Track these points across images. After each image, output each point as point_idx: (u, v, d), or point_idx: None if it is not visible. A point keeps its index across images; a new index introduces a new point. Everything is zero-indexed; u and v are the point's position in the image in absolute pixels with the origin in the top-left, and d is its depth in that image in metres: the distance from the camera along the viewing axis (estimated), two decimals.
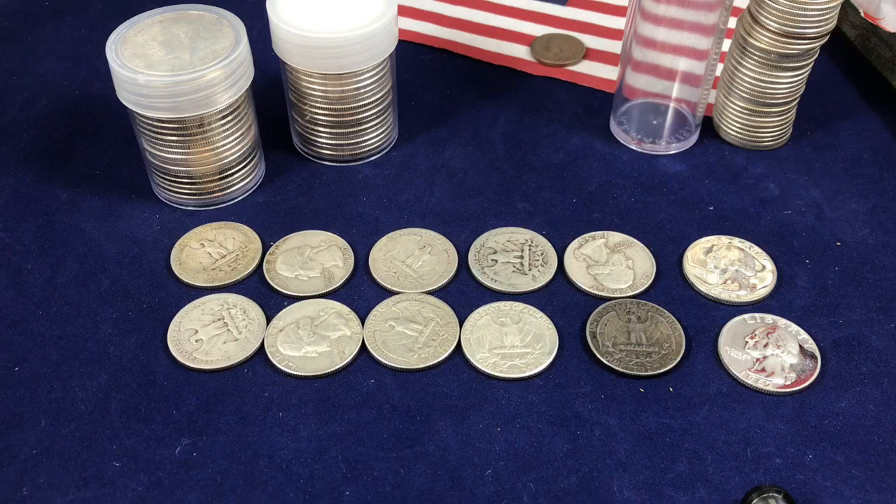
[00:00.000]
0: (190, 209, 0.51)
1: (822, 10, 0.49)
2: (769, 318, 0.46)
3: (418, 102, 0.58)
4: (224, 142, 0.49)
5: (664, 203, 0.52)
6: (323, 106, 0.51)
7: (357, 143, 0.53)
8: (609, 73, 0.60)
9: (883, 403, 0.43)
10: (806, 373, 0.43)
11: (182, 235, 0.50)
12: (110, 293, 0.47)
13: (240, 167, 0.51)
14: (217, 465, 0.40)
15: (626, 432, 0.42)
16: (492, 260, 0.48)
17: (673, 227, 0.50)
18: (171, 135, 0.48)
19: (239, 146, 0.50)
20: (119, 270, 0.48)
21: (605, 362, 0.44)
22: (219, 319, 0.46)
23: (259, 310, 0.46)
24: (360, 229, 0.50)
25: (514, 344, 0.45)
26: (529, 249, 0.49)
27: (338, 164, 0.54)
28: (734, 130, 0.55)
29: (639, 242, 0.49)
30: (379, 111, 0.52)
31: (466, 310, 0.46)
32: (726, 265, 0.48)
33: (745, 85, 0.52)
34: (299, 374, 0.43)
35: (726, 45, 0.59)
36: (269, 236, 0.50)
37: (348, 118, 0.52)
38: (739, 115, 0.54)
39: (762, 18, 0.50)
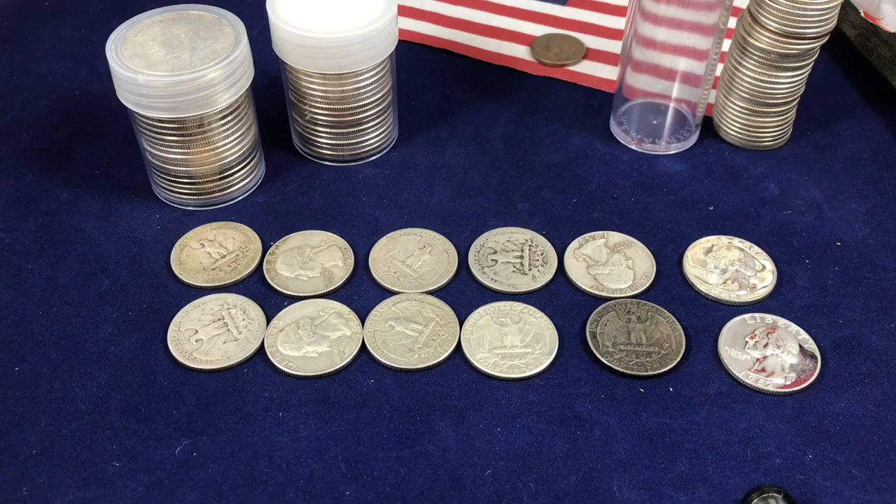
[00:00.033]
0: (190, 209, 0.51)
1: (822, 10, 0.49)
2: (769, 318, 0.46)
3: (418, 102, 0.58)
4: (224, 142, 0.49)
5: (664, 203, 0.52)
6: (323, 106, 0.51)
7: (357, 143, 0.53)
8: (609, 73, 0.60)
9: (883, 403, 0.43)
10: (806, 373, 0.43)
11: (182, 235, 0.50)
12: (110, 293, 0.47)
13: (240, 167, 0.51)
14: (217, 465, 0.40)
15: (626, 432, 0.42)
16: (492, 260, 0.48)
17: (673, 227, 0.50)
18: (171, 135, 0.48)
19: (239, 146, 0.50)
20: (119, 270, 0.48)
21: (605, 362, 0.44)
22: (219, 319, 0.46)
23: (259, 310, 0.46)
24: (360, 229, 0.50)
25: (514, 344, 0.45)
26: (529, 249, 0.49)
27: (338, 164, 0.54)
28: (734, 130, 0.55)
29: (639, 242, 0.49)
30: (379, 111, 0.52)
31: (466, 310, 0.46)
32: (726, 265, 0.48)
33: (745, 85, 0.52)
34: (299, 374, 0.43)
35: (726, 45, 0.59)
36: (269, 236, 0.50)
37: (348, 118, 0.52)
38: (739, 115, 0.54)
39: (762, 18, 0.50)
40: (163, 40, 0.48)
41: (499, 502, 0.39)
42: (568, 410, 0.42)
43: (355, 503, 0.39)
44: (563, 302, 0.47)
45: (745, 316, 0.46)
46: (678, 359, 0.44)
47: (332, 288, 0.47)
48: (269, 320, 0.46)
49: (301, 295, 0.47)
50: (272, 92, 0.57)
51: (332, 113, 0.51)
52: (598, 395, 0.43)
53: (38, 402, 0.43)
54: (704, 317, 0.46)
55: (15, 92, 0.59)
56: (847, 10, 0.61)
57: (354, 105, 0.51)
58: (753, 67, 0.51)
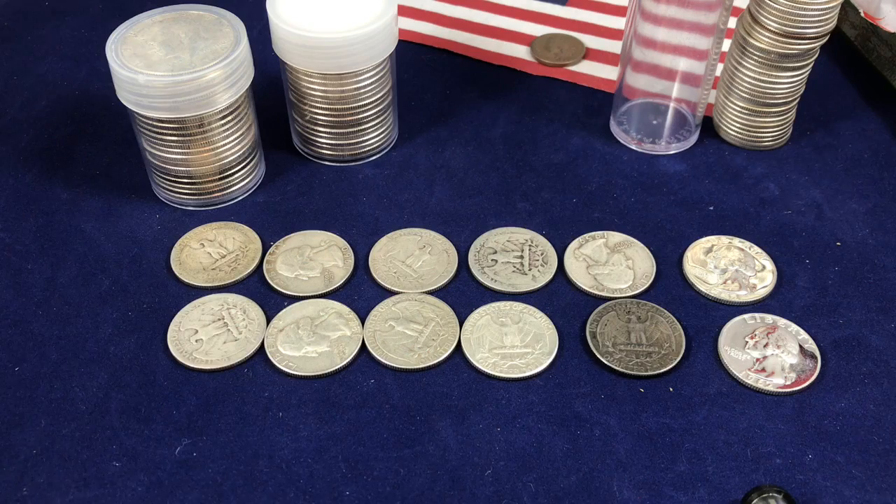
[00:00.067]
0: (190, 209, 0.51)
1: (822, 10, 0.49)
2: (769, 318, 0.46)
3: (418, 102, 0.58)
4: (224, 142, 0.49)
5: (664, 203, 0.52)
6: (323, 106, 0.51)
7: (357, 143, 0.53)
8: (609, 73, 0.60)
9: (883, 403, 0.43)
10: (806, 373, 0.43)
11: (182, 235, 0.50)
12: (110, 293, 0.47)
13: (240, 167, 0.51)
14: (217, 465, 0.40)
15: (626, 432, 0.42)
16: (492, 260, 0.48)
17: (673, 227, 0.50)
18: (171, 135, 0.48)
19: (239, 146, 0.50)
20: (119, 270, 0.48)
21: (605, 362, 0.44)
22: (219, 319, 0.46)
23: (259, 310, 0.46)
24: (360, 229, 0.50)
25: (514, 344, 0.45)
26: (529, 249, 0.49)
27: (338, 164, 0.54)
28: (734, 130, 0.55)
29: (639, 242, 0.49)
30: (379, 111, 0.52)
31: (466, 310, 0.46)
32: (726, 265, 0.48)
33: (745, 85, 0.52)
34: (299, 374, 0.43)
35: (726, 45, 0.59)
36: (269, 236, 0.50)
37: (348, 118, 0.52)
38: (739, 115, 0.54)
39: (762, 18, 0.50)
40: (163, 40, 0.48)
41: (499, 502, 0.39)
42: (568, 410, 0.42)
43: (355, 503, 0.39)
44: (563, 302, 0.47)
45: (745, 316, 0.46)
46: (678, 359, 0.44)
47: (332, 288, 0.47)
48: (269, 320, 0.46)
49: (301, 295, 0.47)
50: (272, 92, 0.57)
51: (332, 113, 0.51)
52: (598, 395, 0.43)
53: (38, 402, 0.43)
54: (704, 317, 0.46)
55: (15, 92, 0.59)
56: (847, 10, 0.61)
57: (354, 105, 0.51)
58: (753, 67, 0.51)
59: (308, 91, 0.51)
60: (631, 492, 0.39)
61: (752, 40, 0.51)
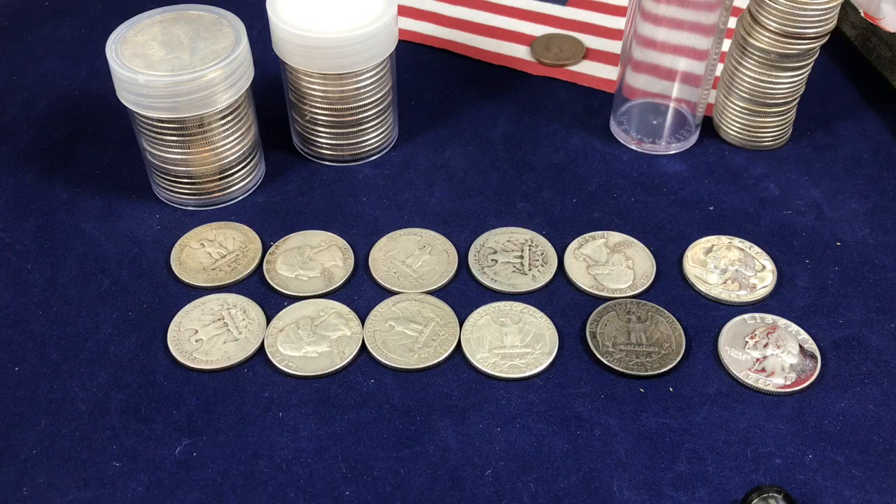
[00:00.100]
0: (190, 209, 0.51)
1: (822, 10, 0.49)
2: (769, 318, 0.46)
3: (418, 102, 0.58)
4: (224, 142, 0.49)
5: (664, 203, 0.52)
6: (323, 106, 0.51)
7: (357, 143, 0.53)
8: (609, 73, 0.60)
9: (883, 403, 0.43)
10: (806, 373, 0.43)
11: (182, 235, 0.50)
12: (110, 293, 0.47)
13: (240, 167, 0.51)
14: (217, 466, 0.40)
15: (626, 432, 0.42)
16: (492, 260, 0.48)
17: (673, 227, 0.50)
18: (171, 135, 0.48)
19: (239, 146, 0.50)
20: (119, 270, 0.48)
21: (605, 362, 0.44)
22: (219, 319, 0.46)
23: (259, 310, 0.46)
24: (360, 229, 0.50)
25: (514, 344, 0.45)
26: (529, 249, 0.49)
27: (338, 164, 0.54)
28: (734, 130, 0.55)
29: (639, 242, 0.49)
30: (379, 111, 0.52)
31: (466, 310, 0.46)
32: (726, 265, 0.48)
33: (745, 85, 0.52)
34: (299, 374, 0.43)
35: (726, 45, 0.59)
36: (269, 236, 0.50)
37: (348, 118, 0.52)
38: (739, 115, 0.54)
39: (762, 18, 0.50)
40: (163, 40, 0.48)
41: (499, 502, 0.39)
42: (568, 410, 0.42)
43: (355, 503, 0.39)
44: (563, 302, 0.47)
45: (745, 316, 0.46)
46: (678, 359, 0.44)
47: (332, 288, 0.47)
48: (269, 320, 0.46)
49: (301, 295, 0.47)
50: (272, 92, 0.57)
51: (332, 113, 0.51)
52: (598, 395, 0.43)
53: (38, 402, 0.43)
54: (704, 317, 0.46)
55: (15, 92, 0.59)
56: (847, 10, 0.61)
57: (354, 105, 0.51)
58: (753, 67, 0.51)
59: (308, 91, 0.51)
60: (631, 492, 0.39)
61: (752, 40, 0.51)
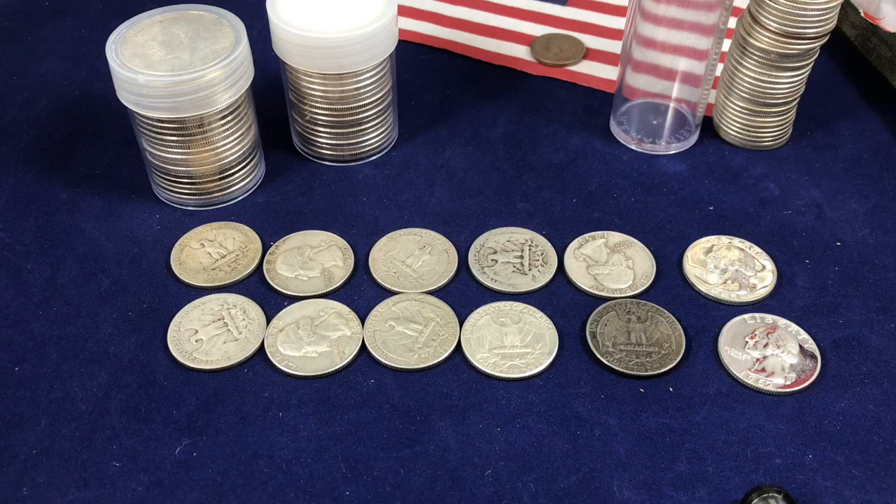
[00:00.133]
0: (190, 209, 0.51)
1: (822, 10, 0.49)
2: (769, 318, 0.46)
3: (418, 102, 0.58)
4: (224, 142, 0.49)
5: (664, 203, 0.52)
6: (323, 106, 0.51)
7: (357, 143, 0.53)
8: (609, 73, 0.60)
9: (883, 403, 0.43)
10: (806, 373, 0.43)
11: (182, 235, 0.50)
12: (110, 293, 0.47)
13: (240, 167, 0.51)
14: (217, 465, 0.40)
15: (626, 432, 0.42)
16: (492, 260, 0.48)
17: (673, 227, 0.50)
18: (171, 135, 0.48)
19: (239, 146, 0.50)
20: (119, 270, 0.48)
21: (605, 362, 0.44)
22: (219, 319, 0.46)
23: (259, 310, 0.46)
24: (360, 229, 0.50)
25: (514, 344, 0.45)
26: (529, 249, 0.49)
27: (338, 164, 0.54)
28: (734, 130, 0.55)
29: (639, 242, 0.49)
30: (379, 111, 0.52)
31: (466, 310, 0.46)
32: (726, 265, 0.48)
33: (745, 85, 0.52)
34: (299, 374, 0.43)
35: (726, 45, 0.59)
36: (269, 236, 0.50)
37: (348, 118, 0.52)
38: (739, 115, 0.54)
39: (762, 18, 0.50)
40: (163, 40, 0.48)
41: (499, 502, 0.39)
42: (568, 410, 0.42)
43: (355, 503, 0.39)
44: (563, 302, 0.47)
45: (745, 316, 0.46)
46: (678, 359, 0.44)
47: (332, 288, 0.47)
48: (269, 320, 0.46)
49: (301, 295, 0.47)
50: (272, 92, 0.57)
51: (332, 113, 0.51)
52: (598, 395, 0.43)
53: (38, 402, 0.43)
54: (704, 317, 0.46)
55: (15, 92, 0.59)
56: (847, 10, 0.61)
57: (354, 105, 0.51)
58: (753, 67, 0.51)
59: (308, 91, 0.51)
60: (631, 492, 0.39)
61: (752, 40, 0.51)
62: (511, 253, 0.49)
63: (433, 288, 0.47)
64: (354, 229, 0.50)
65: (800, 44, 0.50)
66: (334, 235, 0.50)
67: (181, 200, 0.51)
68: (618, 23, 0.64)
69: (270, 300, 0.47)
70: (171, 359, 0.44)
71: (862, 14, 0.56)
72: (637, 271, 0.48)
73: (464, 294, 0.47)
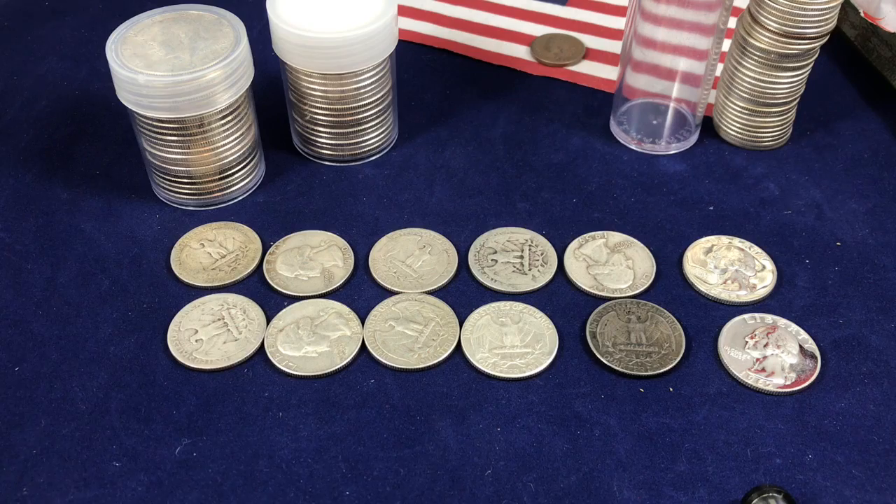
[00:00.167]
0: (190, 209, 0.51)
1: (822, 10, 0.49)
2: (769, 318, 0.46)
3: (418, 102, 0.58)
4: (224, 142, 0.49)
5: (664, 203, 0.52)
6: (323, 106, 0.51)
7: (357, 143, 0.53)
8: (609, 73, 0.60)
9: (883, 403, 0.43)
10: (806, 373, 0.43)
11: (182, 235, 0.50)
12: (110, 293, 0.47)
13: (240, 167, 0.51)
14: (217, 465, 0.40)
15: (626, 432, 0.42)
16: (492, 260, 0.48)
17: (673, 227, 0.50)
18: (171, 135, 0.48)
19: (239, 146, 0.50)
20: (119, 270, 0.48)
21: (605, 362, 0.44)
22: (219, 319, 0.46)
23: (259, 310, 0.46)
24: (360, 229, 0.50)
25: (514, 344, 0.45)
26: (529, 249, 0.49)
27: (338, 164, 0.54)
28: (734, 130, 0.55)
29: (639, 242, 0.49)
30: (379, 111, 0.52)
31: (466, 310, 0.46)
32: (726, 265, 0.48)
33: (745, 85, 0.52)
34: (299, 374, 0.43)
35: (726, 45, 0.59)
36: (269, 236, 0.50)
37: (348, 118, 0.52)
38: (739, 115, 0.54)
39: (762, 18, 0.50)
40: (163, 40, 0.48)
41: (499, 502, 0.39)
42: (568, 410, 0.42)
43: (355, 503, 0.39)
44: (563, 302, 0.47)
45: (745, 316, 0.46)
46: (678, 359, 0.44)
47: (332, 288, 0.47)
48: (269, 320, 0.46)
49: (301, 295, 0.47)
50: (272, 92, 0.57)
51: (332, 113, 0.51)
52: (598, 395, 0.43)
53: (38, 402, 0.43)
54: (704, 317, 0.46)
55: (15, 92, 0.59)
56: (847, 10, 0.61)
57: (354, 105, 0.51)
58: (753, 67, 0.51)
59: (308, 91, 0.51)
60: (631, 492, 0.39)
61: (752, 40, 0.51)
62: (511, 253, 0.49)
63: (433, 288, 0.47)
64: (354, 229, 0.50)
65: (800, 44, 0.50)
66: (334, 235, 0.50)
67: (181, 200, 0.51)
68: (618, 23, 0.64)
69: (270, 300, 0.47)
70: (171, 359, 0.44)
71: (862, 14, 0.56)
72: (637, 271, 0.48)
73: (464, 294, 0.47)
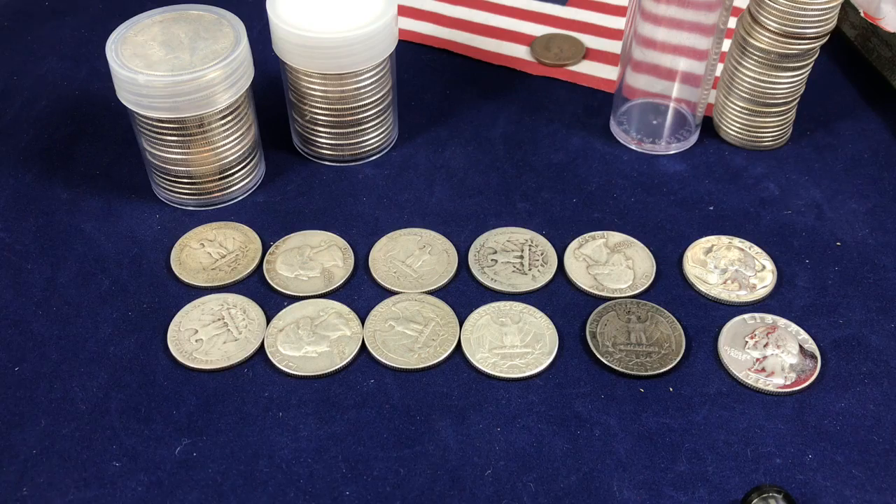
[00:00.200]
0: (190, 209, 0.51)
1: (822, 10, 0.49)
2: (769, 318, 0.46)
3: (418, 102, 0.58)
4: (224, 142, 0.49)
5: (664, 203, 0.52)
6: (323, 106, 0.51)
7: (357, 143, 0.53)
8: (609, 73, 0.60)
9: (883, 403, 0.43)
10: (806, 373, 0.43)
11: (182, 235, 0.50)
12: (110, 293, 0.47)
13: (240, 167, 0.51)
14: (217, 465, 0.40)
15: (626, 432, 0.42)
16: (492, 260, 0.48)
17: (673, 227, 0.50)
18: (171, 135, 0.48)
19: (239, 146, 0.50)
20: (119, 270, 0.48)
21: (605, 362, 0.44)
22: (219, 319, 0.46)
23: (259, 310, 0.46)
24: (360, 229, 0.50)
25: (514, 344, 0.45)
26: (529, 249, 0.49)
27: (338, 164, 0.54)
28: (734, 130, 0.55)
29: (639, 242, 0.49)
30: (379, 111, 0.52)
31: (466, 310, 0.46)
32: (726, 265, 0.48)
33: (745, 85, 0.52)
34: (299, 374, 0.43)
35: (726, 45, 0.59)
36: (269, 236, 0.50)
37: (348, 118, 0.52)
38: (739, 115, 0.54)
39: (762, 18, 0.50)
40: (163, 40, 0.48)
41: (499, 502, 0.39)
42: (568, 410, 0.42)
43: (355, 503, 0.39)
44: (563, 302, 0.47)
45: (745, 316, 0.46)
46: (678, 359, 0.44)
47: (332, 288, 0.47)
48: (269, 320, 0.46)
49: (301, 295, 0.47)
50: (272, 92, 0.57)
51: (332, 113, 0.51)
52: (598, 395, 0.43)
53: (38, 402, 0.43)
54: (704, 317, 0.46)
55: (15, 92, 0.59)
56: (847, 10, 0.61)
57: (354, 105, 0.51)
58: (753, 67, 0.51)
59: (308, 91, 0.51)
60: (631, 492, 0.39)
61: (752, 40, 0.51)
62: (511, 253, 0.49)
63: (433, 288, 0.47)
64: (354, 229, 0.50)
65: (800, 44, 0.50)
66: (334, 235, 0.50)
67: (181, 200, 0.51)
68: (618, 23, 0.64)
69: (270, 300, 0.47)
70: (171, 359, 0.44)
71: (862, 14, 0.56)
72: (637, 271, 0.48)
73: (464, 294, 0.47)
